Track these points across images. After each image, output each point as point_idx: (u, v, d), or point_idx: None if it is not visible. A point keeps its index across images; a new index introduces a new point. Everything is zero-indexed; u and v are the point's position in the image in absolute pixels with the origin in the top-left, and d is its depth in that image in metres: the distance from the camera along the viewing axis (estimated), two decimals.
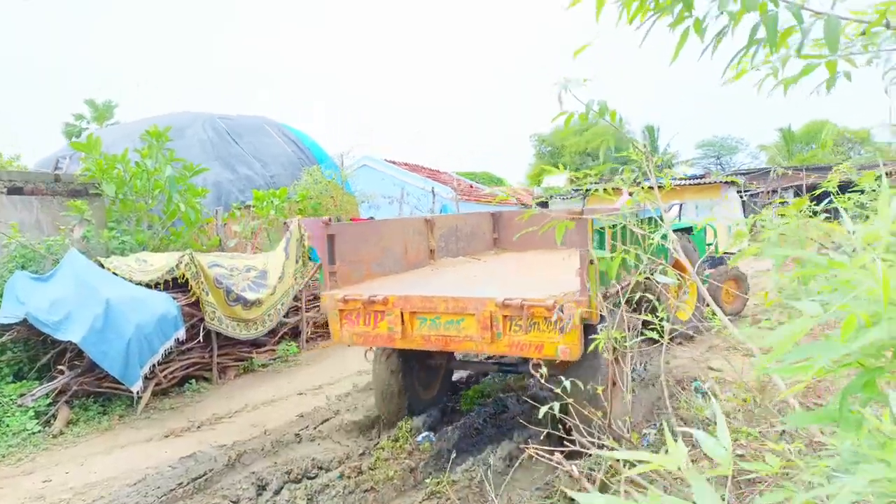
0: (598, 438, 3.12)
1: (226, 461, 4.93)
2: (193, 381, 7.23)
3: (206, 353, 7.43)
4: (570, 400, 3.36)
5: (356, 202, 14.89)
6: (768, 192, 20.06)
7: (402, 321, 4.53)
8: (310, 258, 9.31)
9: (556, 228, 2.79)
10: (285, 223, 11.26)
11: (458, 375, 6.90)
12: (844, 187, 3.14)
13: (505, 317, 4.20)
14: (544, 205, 24.13)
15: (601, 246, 4.07)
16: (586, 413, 3.35)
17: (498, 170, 52.73)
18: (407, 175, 20.24)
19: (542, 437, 3.51)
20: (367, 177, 17.48)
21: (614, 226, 4.15)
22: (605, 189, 2.95)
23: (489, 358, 6.21)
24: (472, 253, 7.18)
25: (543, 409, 2.48)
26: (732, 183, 19.66)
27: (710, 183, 20.93)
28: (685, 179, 19.75)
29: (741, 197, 20.86)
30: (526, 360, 4.81)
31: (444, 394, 6.41)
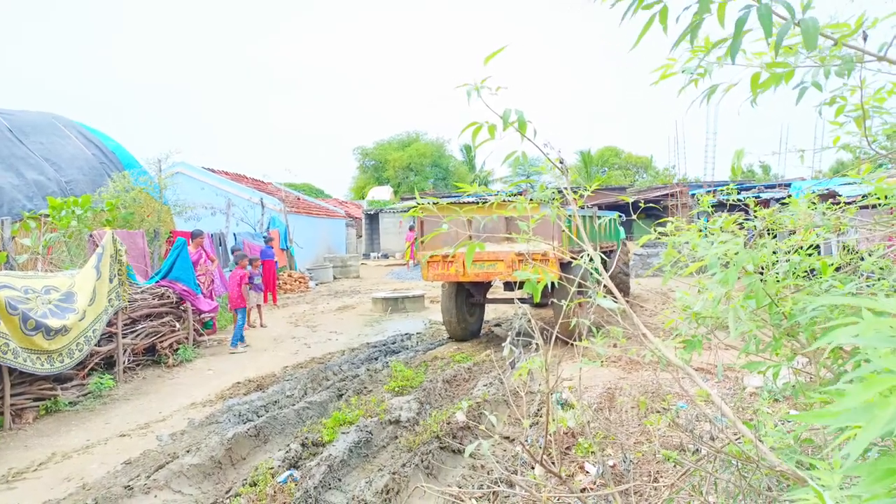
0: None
1: None
2: None
3: None
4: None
5: (171, 213, 13.44)
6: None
7: (463, 266, 8.18)
8: (128, 277, 8.14)
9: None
10: (91, 236, 9.79)
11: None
12: (636, 205, 3.47)
13: (519, 260, 7.74)
14: (374, 216, 24.07)
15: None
16: None
17: (318, 182, 51.66)
18: (230, 185, 18.71)
19: None
20: (184, 186, 15.86)
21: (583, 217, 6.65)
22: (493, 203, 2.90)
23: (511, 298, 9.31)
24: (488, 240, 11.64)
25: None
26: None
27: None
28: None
29: None
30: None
31: (482, 321, 10.52)
